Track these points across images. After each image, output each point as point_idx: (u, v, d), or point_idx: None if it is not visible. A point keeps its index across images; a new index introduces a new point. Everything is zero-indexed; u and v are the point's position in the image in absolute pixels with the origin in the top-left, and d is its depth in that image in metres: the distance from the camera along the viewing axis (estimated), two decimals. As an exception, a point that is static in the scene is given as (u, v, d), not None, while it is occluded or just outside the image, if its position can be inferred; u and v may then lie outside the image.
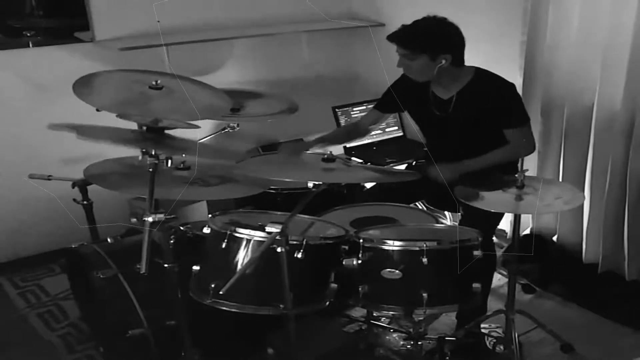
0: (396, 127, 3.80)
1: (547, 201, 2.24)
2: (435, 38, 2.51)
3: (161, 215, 1.87)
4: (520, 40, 3.02)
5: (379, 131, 3.74)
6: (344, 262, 2.10)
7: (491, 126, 2.58)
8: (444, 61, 2.50)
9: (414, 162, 3.29)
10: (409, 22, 2.58)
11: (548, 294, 2.98)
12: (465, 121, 2.59)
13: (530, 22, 2.95)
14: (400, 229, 2.30)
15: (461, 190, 2.31)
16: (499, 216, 2.67)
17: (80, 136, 1.95)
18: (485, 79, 2.60)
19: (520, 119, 2.60)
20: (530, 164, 3.05)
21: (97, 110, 2.20)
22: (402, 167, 3.38)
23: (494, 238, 3.36)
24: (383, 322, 2.67)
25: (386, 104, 2.87)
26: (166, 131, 2.09)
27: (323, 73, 3.97)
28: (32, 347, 2.65)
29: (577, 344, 2.53)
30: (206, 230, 2.14)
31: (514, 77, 3.08)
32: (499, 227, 3.34)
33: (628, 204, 2.80)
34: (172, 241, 2.03)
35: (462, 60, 2.58)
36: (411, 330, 2.40)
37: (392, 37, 2.55)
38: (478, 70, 2.63)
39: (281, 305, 2.00)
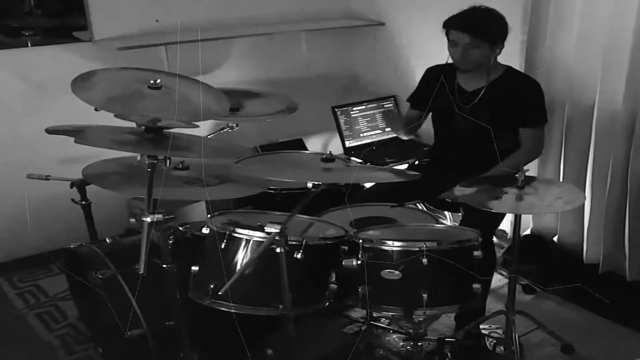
0: (396, 127, 3.79)
1: (548, 201, 2.23)
2: (499, 28, 2.57)
3: (160, 216, 1.86)
4: (521, 40, 3.01)
5: (379, 131, 3.73)
6: (343, 263, 2.09)
7: (510, 123, 2.62)
8: (498, 51, 2.58)
9: (416, 162, 3.28)
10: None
11: (548, 294, 2.97)
12: (489, 114, 2.61)
13: (530, 22, 2.94)
14: (400, 229, 2.29)
15: (462, 190, 2.30)
16: (501, 217, 2.66)
17: (79, 141, 1.95)
18: (515, 75, 2.68)
19: (539, 119, 2.65)
20: (530, 164, 3.04)
21: (96, 109, 2.19)
22: (403, 167, 3.37)
23: (494, 239, 3.37)
24: (383, 322, 2.66)
25: (417, 100, 2.90)
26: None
27: (323, 73, 3.96)
28: (31, 348, 2.64)
29: (577, 345, 2.52)
30: (205, 230, 2.13)
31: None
32: (500, 227, 3.34)
33: (629, 204, 2.79)
34: (170, 241, 2.03)
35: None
36: (411, 331, 2.39)
37: (457, 25, 2.55)
38: (509, 67, 2.69)
39: (280, 306, 1.99)
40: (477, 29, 2.54)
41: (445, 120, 2.81)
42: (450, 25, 2.58)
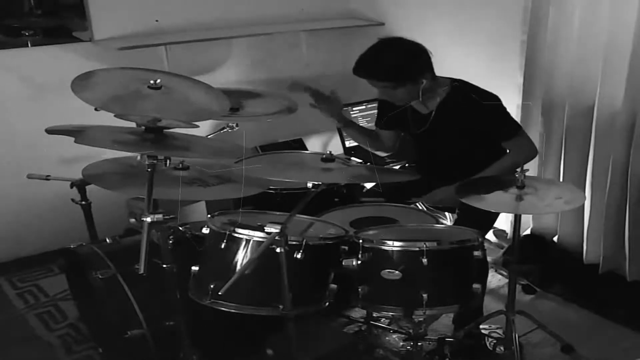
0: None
1: (548, 201, 2.23)
2: (411, 66, 2.44)
3: (160, 216, 1.86)
4: (521, 40, 3.01)
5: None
6: (343, 263, 2.09)
7: (475, 136, 2.52)
8: (424, 81, 2.45)
9: (406, 164, 3.28)
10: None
11: (548, 294, 2.97)
12: (447, 134, 2.55)
13: (530, 22, 2.94)
14: (400, 229, 2.29)
15: (461, 189, 2.30)
16: (495, 216, 2.65)
17: (79, 141, 1.95)
18: (464, 91, 2.52)
19: (510, 130, 2.53)
20: (530, 164, 3.03)
21: (96, 109, 2.19)
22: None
23: (495, 238, 3.38)
24: (383, 322, 2.66)
25: (383, 122, 2.81)
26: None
27: (323, 73, 3.95)
28: (31, 348, 2.64)
29: (577, 345, 2.51)
30: (205, 230, 2.13)
31: (514, 76, 3.08)
32: (500, 227, 3.34)
33: (629, 204, 2.79)
34: (170, 241, 2.03)
35: (435, 73, 2.52)
36: (411, 331, 2.39)
37: (365, 74, 2.46)
38: (454, 82, 2.56)
39: (280, 306, 1.99)
40: (380, 76, 2.44)
41: (412, 139, 2.78)
42: (358, 74, 2.45)
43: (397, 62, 2.44)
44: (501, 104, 2.53)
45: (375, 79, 2.48)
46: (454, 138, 2.55)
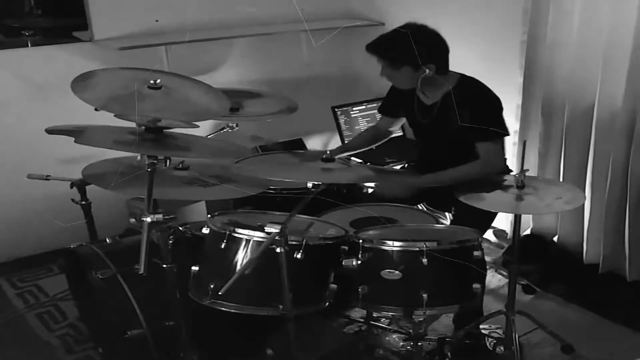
0: (396, 127, 3.79)
1: (548, 201, 2.23)
2: (417, 49, 2.40)
3: (160, 216, 1.86)
4: (521, 40, 3.01)
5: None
6: (343, 263, 2.09)
7: (468, 135, 2.48)
8: (427, 71, 2.44)
9: (406, 165, 3.29)
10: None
11: (548, 294, 2.97)
12: (447, 128, 2.54)
13: (530, 22, 2.94)
14: (400, 230, 2.29)
15: (461, 189, 2.30)
16: (493, 216, 2.64)
17: (79, 141, 1.95)
18: (469, 87, 2.52)
19: (492, 134, 2.46)
20: (530, 164, 3.04)
21: (96, 109, 2.19)
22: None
23: (495, 238, 3.38)
24: (383, 322, 2.66)
25: (387, 108, 2.86)
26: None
27: (323, 73, 3.96)
28: (31, 348, 2.64)
29: (577, 345, 2.52)
30: (205, 230, 2.13)
31: (514, 77, 3.08)
32: (500, 227, 3.34)
33: (629, 204, 2.79)
34: (171, 241, 2.03)
35: (447, 68, 2.52)
36: (411, 331, 2.39)
37: (371, 49, 2.49)
38: (462, 77, 2.55)
39: (280, 306, 1.99)
40: (388, 53, 2.46)
41: (415, 133, 2.80)
42: (367, 48, 2.50)
43: (402, 42, 2.41)
44: (500, 105, 2.51)
45: (376, 54, 2.50)
46: (452, 133, 2.54)
